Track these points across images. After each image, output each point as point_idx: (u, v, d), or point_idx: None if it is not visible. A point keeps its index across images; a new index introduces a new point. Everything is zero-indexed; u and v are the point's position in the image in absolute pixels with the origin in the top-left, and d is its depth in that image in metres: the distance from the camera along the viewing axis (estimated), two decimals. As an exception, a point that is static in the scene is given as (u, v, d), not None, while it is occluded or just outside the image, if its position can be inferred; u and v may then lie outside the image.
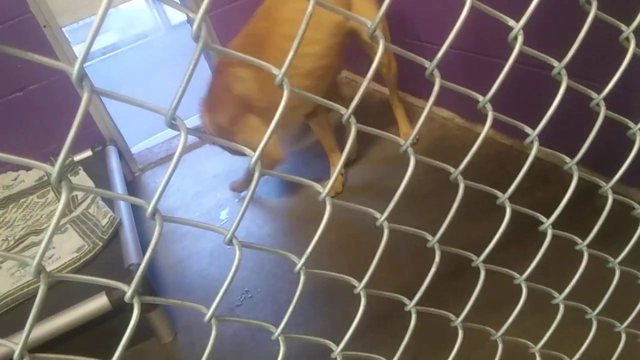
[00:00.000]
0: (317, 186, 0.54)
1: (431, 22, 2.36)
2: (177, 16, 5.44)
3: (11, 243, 2.20)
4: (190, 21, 3.23)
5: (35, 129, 2.77)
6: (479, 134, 0.63)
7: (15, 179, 2.80)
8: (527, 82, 1.85)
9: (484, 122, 0.62)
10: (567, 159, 0.71)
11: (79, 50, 2.75)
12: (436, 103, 2.60)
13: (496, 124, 0.62)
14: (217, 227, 0.53)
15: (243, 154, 0.51)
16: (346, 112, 0.52)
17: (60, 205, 0.42)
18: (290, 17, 1.96)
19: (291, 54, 0.48)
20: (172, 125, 0.47)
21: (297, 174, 2.42)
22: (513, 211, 0.71)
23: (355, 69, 3.33)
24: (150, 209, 0.48)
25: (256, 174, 0.50)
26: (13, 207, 2.55)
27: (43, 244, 0.45)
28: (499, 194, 0.66)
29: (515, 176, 0.67)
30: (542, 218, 0.73)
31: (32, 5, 2.57)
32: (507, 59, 0.60)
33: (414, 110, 2.65)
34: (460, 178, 0.62)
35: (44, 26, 2.61)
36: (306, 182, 0.55)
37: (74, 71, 0.42)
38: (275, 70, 0.48)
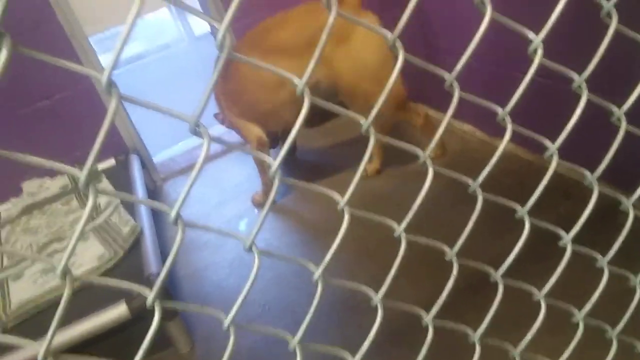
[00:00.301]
0: (336, 195, 0.55)
1: (452, 32, 2.37)
2: (200, 27, 5.53)
3: (35, 250, 2.24)
4: (213, 32, 3.28)
5: (61, 136, 2.83)
6: (497, 147, 0.63)
7: (40, 186, 2.86)
8: (547, 95, 1.84)
9: (504, 136, 0.62)
10: (588, 174, 0.71)
11: (104, 59, 2.81)
12: (456, 116, 2.60)
13: (517, 138, 0.62)
14: (236, 234, 0.53)
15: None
16: (365, 122, 0.52)
17: (88, 209, 0.44)
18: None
19: (312, 63, 0.49)
20: (196, 132, 0.48)
21: (325, 175, 2.43)
22: (533, 226, 0.70)
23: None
24: (173, 214, 0.49)
25: (275, 181, 0.51)
26: (37, 214, 2.60)
27: (70, 246, 0.46)
28: (517, 207, 0.66)
29: (535, 191, 0.66)
30: (562, 233, 0.73)
31: (59, 14, 2.64)
32: (526, 72, 0.60)
33: (434, 124, 2.65)
34: (478, 190, 0.62)
35: (70, 36, 2.68)
36: (324, 190, 0.56)
37: (104, 78, 0.44)
38: (296, 81, 0.49)
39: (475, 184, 0.62)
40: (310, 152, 2.91)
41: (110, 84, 0.45)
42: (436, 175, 0.61)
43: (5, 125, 2.72)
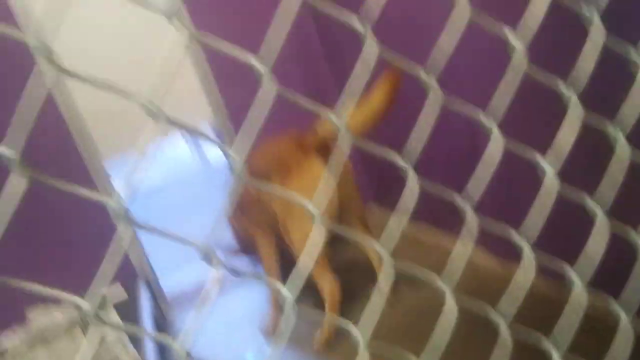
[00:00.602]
0: (354, 329, 0.52)
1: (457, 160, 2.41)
2: (216, 159, 5.74)
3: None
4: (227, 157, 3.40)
5: (71, 260, 2.81)
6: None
7: (46, 315, 2.79)
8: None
9: (520, 261, 0.60)
10: (618, 309, 0.67)
11: (118, 184, 2.86)
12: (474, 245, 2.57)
13: (540, 269, 0.60)
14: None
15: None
16: (385, 254, 0.51)
17: (92, 339, 0.41)
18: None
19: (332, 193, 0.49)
20: (207, 259, 0.47)
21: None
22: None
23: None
24: (180, 349, 0.46)
25: (289, 312, 0.49)
26: (40, 349, 2.51)
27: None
28: (544, 338, 0.62)
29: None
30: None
31: (77, 139, 2.73)
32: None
33: (446, 249, 2.61)
34: (501, 322, 0.59)
35: (87, 159, 2.74)
36: (343, 323, 0.53)
37: (116, 204, 0.44)
38: (313, 210, 0.49)
39: (497, 315, 0.58)
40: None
41: (123, 211, 0.45)
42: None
43: (13, 254, 2.72)
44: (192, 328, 0.44)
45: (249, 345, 2.40)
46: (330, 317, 2.12)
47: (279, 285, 0.50)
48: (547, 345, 0.65)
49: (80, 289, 2.09)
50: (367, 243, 0.53)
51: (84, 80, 0.45)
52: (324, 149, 2.17)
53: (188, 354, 0.44)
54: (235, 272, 0.50)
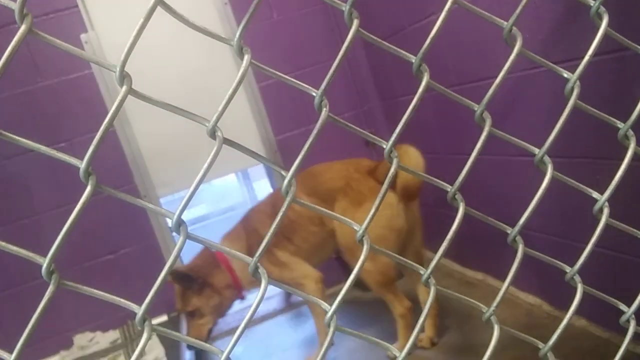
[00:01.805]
0: (394, 349, 0.51)
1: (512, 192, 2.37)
2: (263, 192, 5.84)
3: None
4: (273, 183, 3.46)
5: (120, 290, 2.89)
6: (570, 323, 0.59)
7: (91, 340, 2.86)
8: (613, 268, 1.76)
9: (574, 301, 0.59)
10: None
11: (170, 220, 2.98)
12: (521, 287, 2.49)
13: (591, 314, 0.59)
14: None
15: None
16: (425, 272, 0.51)
17: (142, 342, 0.43)
18: None
19: (372, 212, 0.50)
20: (255, 274, 0.48)
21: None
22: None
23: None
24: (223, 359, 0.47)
25: (331, 328, 0.49)
26: (84, 370, 2.56)
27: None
28: (539, 344, 0.59)
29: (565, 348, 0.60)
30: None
31: (136, 176, 2.88)
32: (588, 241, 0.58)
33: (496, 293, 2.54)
34: (550, 355, 0.57)
35: (144, 196, 2.88)
36: (381, 343, 0.53)
37: (174, 217, 0.46)
38: (356, 227, 0.50)
39: (546, 347, 0.57)
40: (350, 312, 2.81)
41: (180, 224, 0.47)
42: (501, 351, 0.57)
43: (67, 275, 2.82)
44: (235, 340, 0.45)
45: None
46: (404, 334, 2.23)
47: (319, 301, 0.51)
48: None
49: (126, 319, 2.13)
50: (411, 265, 0.53)
51: (152, 102, 0.48)
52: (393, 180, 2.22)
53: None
54: (283, 288, 0.51)
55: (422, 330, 2.41)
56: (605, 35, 0.62)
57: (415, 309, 2.28)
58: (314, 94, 0.50)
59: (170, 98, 0.49)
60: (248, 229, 2.48)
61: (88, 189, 0.43)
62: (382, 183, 2.22)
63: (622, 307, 0.61)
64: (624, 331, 0.63)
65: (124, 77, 0.43)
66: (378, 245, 0.52)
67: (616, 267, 1.76)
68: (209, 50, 2.94)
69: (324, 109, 0.49)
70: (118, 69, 0.43)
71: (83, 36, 2.77)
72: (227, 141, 0.49)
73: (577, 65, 0.60)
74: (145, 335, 0.45)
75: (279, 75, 0.52)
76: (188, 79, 2.90)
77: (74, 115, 2.78)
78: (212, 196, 6.50)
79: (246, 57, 0.47)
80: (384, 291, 2.25)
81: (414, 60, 0.50)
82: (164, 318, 2.90)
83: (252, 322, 0.46)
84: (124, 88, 0.44)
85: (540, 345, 0.57)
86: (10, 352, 0.44)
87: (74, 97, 2.80)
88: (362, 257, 0.55)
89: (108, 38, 2.81)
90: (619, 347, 1.85)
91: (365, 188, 2.26)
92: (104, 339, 2.84)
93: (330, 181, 2.35)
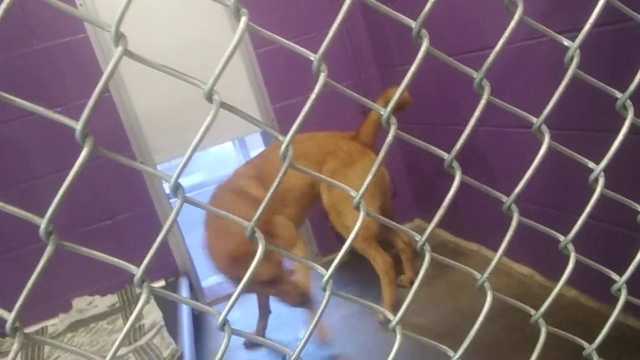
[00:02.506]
0: (388, 313, 0.52)
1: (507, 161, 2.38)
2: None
3: (74, 367, 2.22)
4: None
5: (117, 255, 2.91)
6: (561, 294, 0.60)
7: (89, 304, 2.89)
8: (609, 240, 1.78)
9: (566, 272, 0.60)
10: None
11: (167, 187, 2.94)
12: (514, 258, 2.53)
13: (582, 285, 0.60)
14: (282, 347, 0.51)
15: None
16: (421, 239, 0.52)
17: (141, 303, 0.44)
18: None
19: (369, 178, 0.50)
20: (251, 237, 0.49)
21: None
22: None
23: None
24: (220, 319, 0.48)
25: (327, 293, 0.50)
26: (82, 332, 2.60)
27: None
28: (584, 344, 0.61)
29: (605, 343, 0.61)
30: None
31: (133, 143, 2.87)
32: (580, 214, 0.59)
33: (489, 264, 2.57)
34: (542, 322, 0.58)
35: (141, 162, 2.88)
36: (375, 307, 0.54)
37: (172, 181, 0.46)
38: (353, 193, 0.50)
39: (537, 314, 0.58)
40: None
41: (177, 187, 0.47)
42: (492, 319, 0.58)
43: (65, 240, 2.84)
44: (234, 300, 0.46)
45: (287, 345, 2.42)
46: (389, 290, 2.34)
47: (309, 263, 0.52)
48: (582, 343, 0.63)
49: (124, 283, 2.14)
50: (403, 230, 0.54)
51: (148, 64, 0.47)
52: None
53: (225, 322, 0.45)
54: (280, 251, 0.52)
55: (402, 272, 2.56)
56: (607, 5, 0.62)
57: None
58: (312, 58, 0.49)
59: (166, 65, 0.48)
60: (235, 192, 2.47)
61: (85, 150, 0.43)
62: (366, 145, 2.45)
63: (614, 276, 0.62)
64: (614, 302, 0.65)
65: (120, 37, 0.43)
66: (366, 202, 0.53)
67: (610, 239, 1.78)
68: (205, 19, 2.90)
69: (322, 73, 0.49)
70: (113, 28, 0.42)
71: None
72: (224, 105, 0.49)
73: (577, 37, 0.59)
74: (143, 297, 0.46)
75: (276, 39, 0.51)
76: (185, 48, 2.87)
77: (69, 80, 2.75)
78: (208, 164, 6.50)
79: (243, 19, 0.47)
80: (365, 245, 2.35)
81: (413, 26, 0.50)
82: (161, 283, 2.94)
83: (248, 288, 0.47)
84: (120, 49, 0.43)
85: (532, 312, 0.58)
86: (10, 312, 0.44)
87: (68, 61, 2.76)
88: (358, 224, 0.55)
89: (103, 0, 2.76)
90: (608, 317, 1.89)
91: (354, 149, 2.43)
92: (102, 302, 2.87)
93: (319, 146, 2.47)
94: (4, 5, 0.42)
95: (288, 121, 3.30)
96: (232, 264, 1.98)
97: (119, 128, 2.85)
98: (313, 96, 0.48)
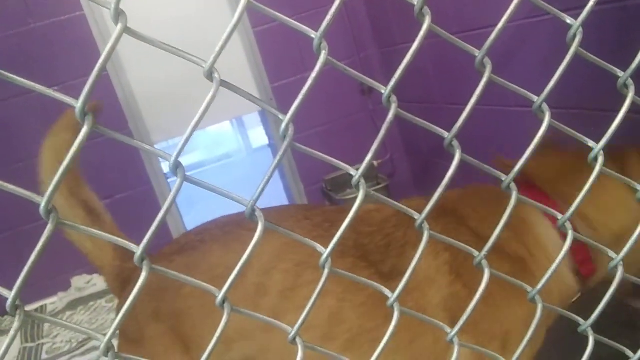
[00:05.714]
0: (386, 290, 0.53)
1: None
2: (257, 140, 5.83)
3: (74, 345, 2.24)
4: (271, 145, 3.46)
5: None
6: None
7: (88, 282, 2.91)
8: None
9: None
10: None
11: (165, 167, 2.95)
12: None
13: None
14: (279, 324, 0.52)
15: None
16: (419, 217, 0.52)
17: (141, 281, 0.44)
18: None
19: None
20: (252, 217, 0.49)
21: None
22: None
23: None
24: (220, 296, 0.49)
25: (326, 270, 0.50)
26: (81, 310, 2.62)
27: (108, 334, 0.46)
28: (580, 320, 0.61)
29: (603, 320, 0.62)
30: (629, 353, 0.67)
31: (131, 122, 2.86)
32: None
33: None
34: (538, 298, 0.59)
35: (138, 139, 2.87)
36: (371, 283, 0.54)
37: (172, 159, 0.46)
38: (353, 172, 0.51)
39: (534, 291, 0.58)
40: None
41: (177, 165, 0.47)
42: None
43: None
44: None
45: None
46: None
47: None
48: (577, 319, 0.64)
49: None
50: (401, 208, 0.54)
51: (148, 41, 0.47)
52: None
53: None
54: (279, 231, 0.52)
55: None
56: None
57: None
58: (313, 35, 0.49)
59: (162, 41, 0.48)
60: None
61: (85, 128, 0.43)
62: None
63: (611, 254, 0.62)
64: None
65: (119, 15, 0.42)
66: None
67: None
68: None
69: (323, 51, 0.48)
70: (113, 5, 0.42)
71: (74, -24, 2.68)
72: (224, 83, 0.48)
73: (579, 15, 0.59)
74: (143, 274, 0.46)
75: (277, 16, 0.50)
76: (184, 27, 2.83)
77: (66, 59, 2.73)
78: (207, 143, 6.50)
79: (244, -4, 0.46)
80: None
81: (415, 2, 0.49)
82: (160, 262, 2.96)
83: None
84: (119, 26, 0.43)
85: (529, 289, 0.59)
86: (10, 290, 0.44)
87: (65, 39, 2.73)
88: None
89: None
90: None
91: None
92: (101, 281, 2.89)
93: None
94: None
95: (287, 100, 3.28)
96: None
97: (117, 107, 2.84)
98: (314, 74, 0.48)
